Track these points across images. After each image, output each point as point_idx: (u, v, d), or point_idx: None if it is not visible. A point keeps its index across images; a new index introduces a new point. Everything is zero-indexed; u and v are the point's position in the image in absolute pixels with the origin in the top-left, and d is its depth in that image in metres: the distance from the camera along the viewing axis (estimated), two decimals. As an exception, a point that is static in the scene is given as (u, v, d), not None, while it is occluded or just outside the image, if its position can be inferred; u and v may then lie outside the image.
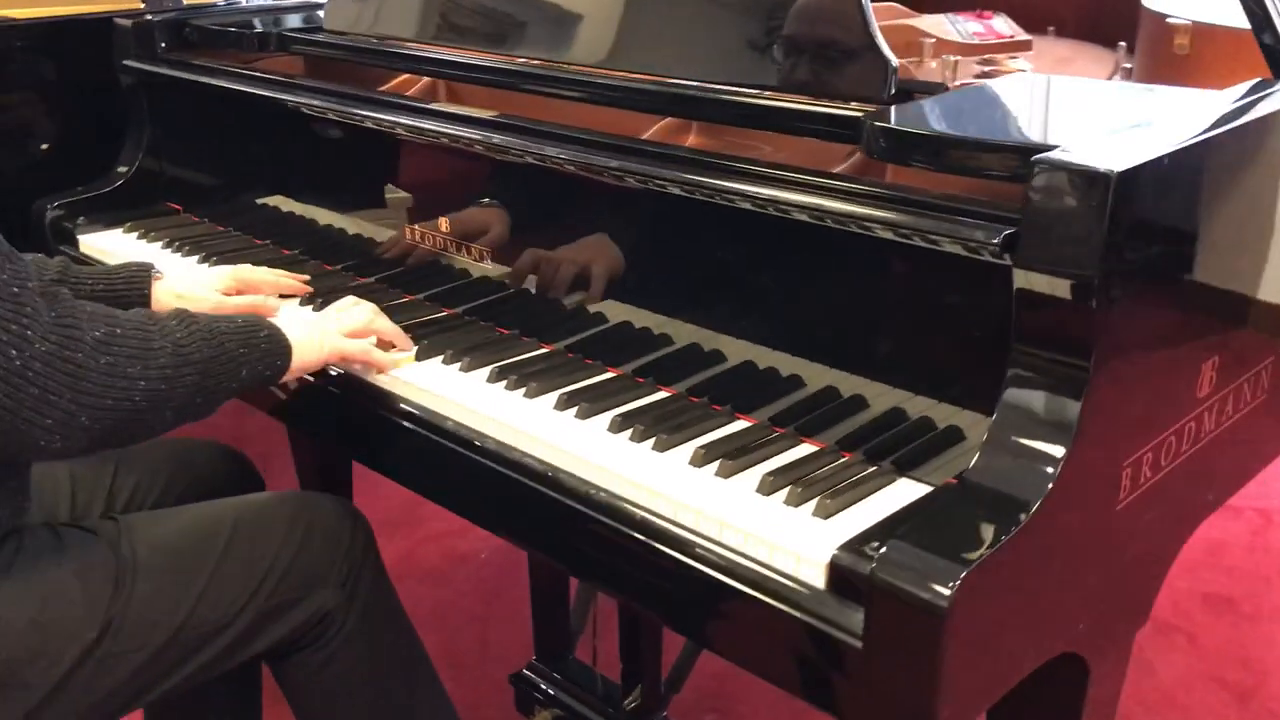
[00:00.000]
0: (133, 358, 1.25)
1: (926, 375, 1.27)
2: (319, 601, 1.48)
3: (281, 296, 1.75)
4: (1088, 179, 1.02)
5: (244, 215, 2.11)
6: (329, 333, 1.49)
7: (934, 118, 1.31)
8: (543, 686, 2.07)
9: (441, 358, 1.54)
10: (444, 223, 1.71)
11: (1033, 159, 1.05)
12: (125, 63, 2.19)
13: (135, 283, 1.64)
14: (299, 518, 1.48)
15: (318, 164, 1.95)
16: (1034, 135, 1.16)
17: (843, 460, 1.27)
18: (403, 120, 1.70)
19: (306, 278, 1.80)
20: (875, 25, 1.39)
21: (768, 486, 1.21)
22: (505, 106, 1.67)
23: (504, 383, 1.47)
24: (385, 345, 1.56)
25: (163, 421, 1.30)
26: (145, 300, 1.63)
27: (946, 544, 1.01)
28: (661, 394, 1.45)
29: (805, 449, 1.31)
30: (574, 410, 1.39)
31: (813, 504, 1.18)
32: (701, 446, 1.28)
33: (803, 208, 1.25)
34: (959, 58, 1.96)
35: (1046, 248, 1.05)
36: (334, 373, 1.55)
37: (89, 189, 2.20)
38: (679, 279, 1.47)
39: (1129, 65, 2.22)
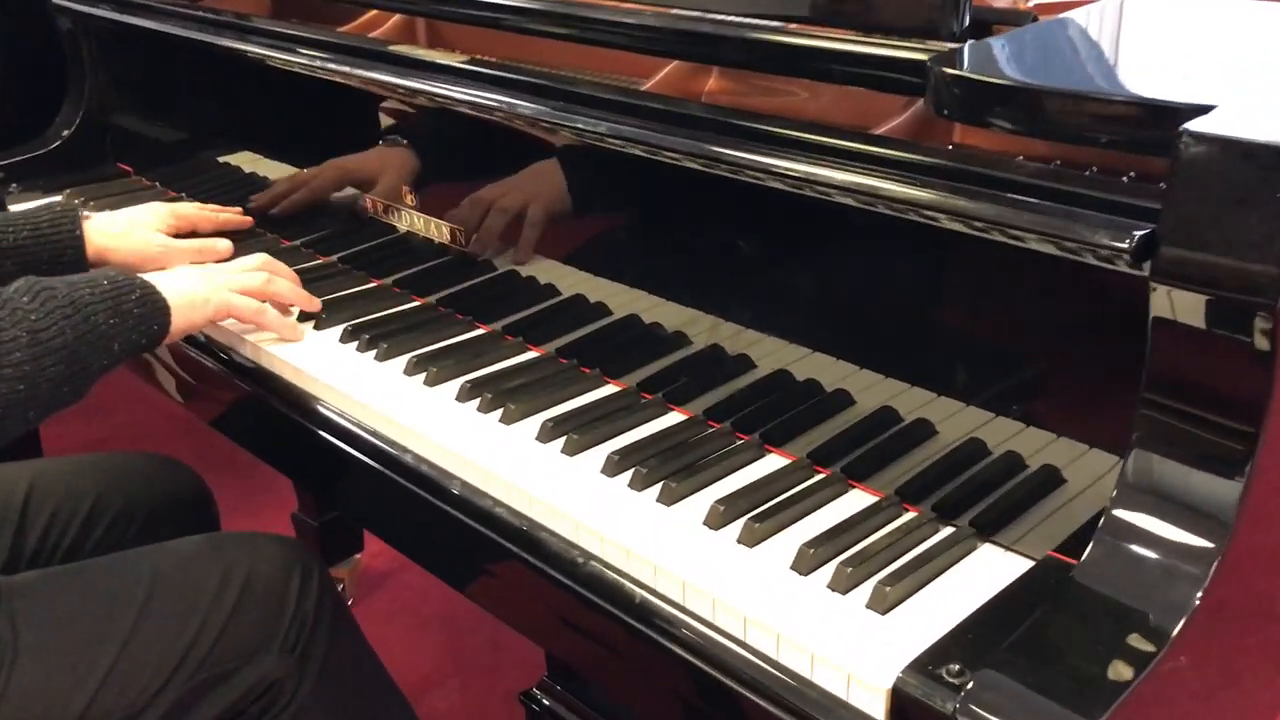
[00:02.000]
0: None
1: (1013, 393, 0.97)
2: (261, 671, 1.21)
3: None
4: (1272, 158, 0.70)
5: (201, 176, 1.82)
6: (217, 287, 1.29)
7: (1022, 61, 0.98)
8: (552, 707, 1.81)
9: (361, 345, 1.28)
10: (408, 195, 1.41)
11: (1181, 129, 0.73)
12: (56, 0, 1.89)
13: (62, 225, 1.43)
14: (234, 570, 1.21)
15: (287, 116, 1.65)
16: (1170, 87, 0.84)
17: (905, 519, 0.97)
18: (359, 71, 1.39)
19: (239, 209, 1.65)
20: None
21: (807, 561, 0.92)
22: (489, 45, 1.36)
23: (476, 401, 1.18)
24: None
25: (21, 424, 1.09)
26: (78, 245, 1.43)
27: (1060, 681, 0.72)
28: (673, 415, 1.15)
29: (855, 500, 1.01)
30: (554, 436, 1.10)
31: (866, 588, 0.88)
32: (720, 501, 0.99)
33: (846, 189, 0.93)
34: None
35: (1202, 256, 0.73)
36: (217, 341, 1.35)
37: (25, 149, 1.91)
38: (679, 259, 1.17)
39: None
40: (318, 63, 1.45)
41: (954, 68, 0.94)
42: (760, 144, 1.01)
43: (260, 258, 1.37)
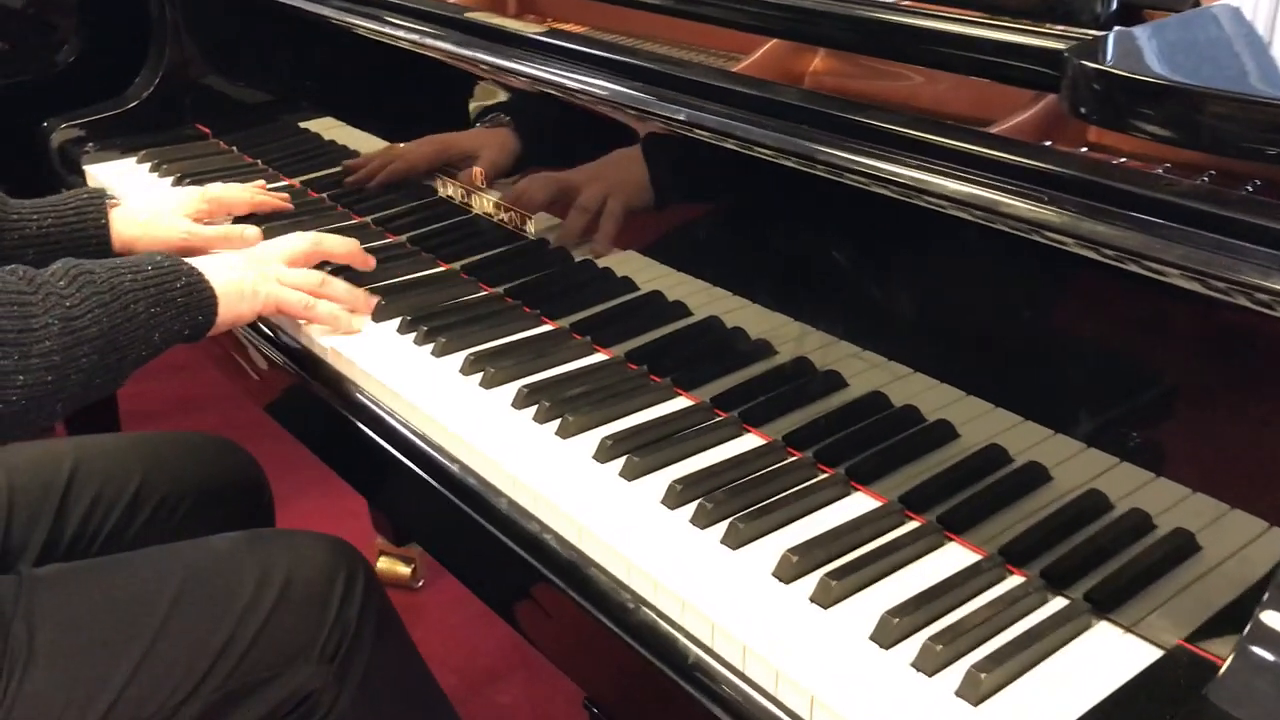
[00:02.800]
0: (6, 346, 0.96)
1: (1144, 438, 0.82)
2: (297, 681, 1.13)
3: (255, 221, 1.48)
4: None
5: (279, 141, 1.74)
6: (266, 276, 1.20)
7: (1179, 55, 0.83)
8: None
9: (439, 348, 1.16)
10: (480, 176, 1.31)
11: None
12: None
13: (88, 214, 1.35)
14: (272, 572, 1.13)
15: (370, 82, 1.55)
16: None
17: (1009, 586, 0.84)
18: (434, 42, 1.29)
19: (286, 195, 1.56)
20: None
21: (889, 633, 0.79)
22: (578, 13, 1.25)
23: (534, 409, 1.07)
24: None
25: (48, 416, 1.03)
26: (103, 234, 1.36)
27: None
28: (749, 439, 1.03)
29: (952, 557, 0.88)
30: (613, 456, 0.99)
31: (957, 671, 0.75)
32: (794, 550, 0.87)
33: (961, 202, 0.80)
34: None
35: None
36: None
37: (104, 108, 1.86)
38: (769, 257, 1.04)
39: None
40: (393, 30, 1.35)
41: (1096, 60, 0.80)
42: (863, 142, 0.87)
43: (310, 237, 1.27)
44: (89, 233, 1.34)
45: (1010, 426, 0.90)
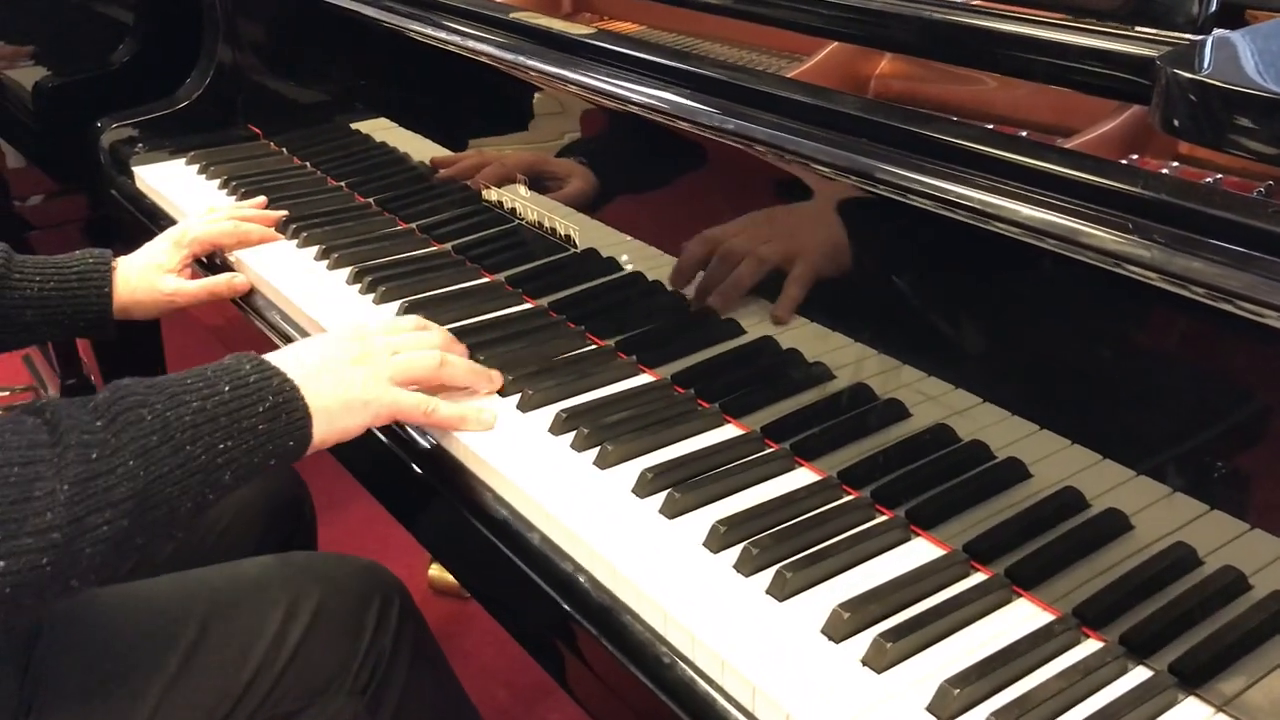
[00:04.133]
0: None
1: (1234, 482, 0.74)
2: (327, 714, 1.08)
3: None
4: None
5: (330, 142, 1.69)
6: (377, 376, 0.97)
7: (1289, 62, 0.74)
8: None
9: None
10: (522, 183, 1.24)
11: None
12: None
13: (91, 280, 1.28)
14: (302, 600, 1.08)
15: (423, 83, 1.50)
16: None
17: (1085, 652, 0.76)
18: (481, 47, 1.23)
19: (282, 213, 1.47)
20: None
21: (950, 705, 0.71)
22: (632, 10, 1.18)
23: (571, 436, 1.00)
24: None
25: (60, 594, 0.80)
26: (104, 305, 1.29)
27: None
28: (802, 474, 0.96)
29: (1021, 616, 0.80)
30: (653, 490, 0.92)
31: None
32: (845, 606, 0.79)
33: (1035, 230, 0.71)
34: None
35: None
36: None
37: (155, 108, 1.83)
38: (831, 271, 0.96)
39: None
40: (446, 34, 1.30)
41: (1192, 69, 0.71)
42: (927, 158, 0.80)
43: (435, 357, 1.02)
44: (89, 301, 1.28)
45: (1088, 466, 0.82)
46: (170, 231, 1.39)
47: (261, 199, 1.52)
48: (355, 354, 0.98)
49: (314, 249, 1.40)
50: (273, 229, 1.45)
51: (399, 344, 1.02)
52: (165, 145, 1.77)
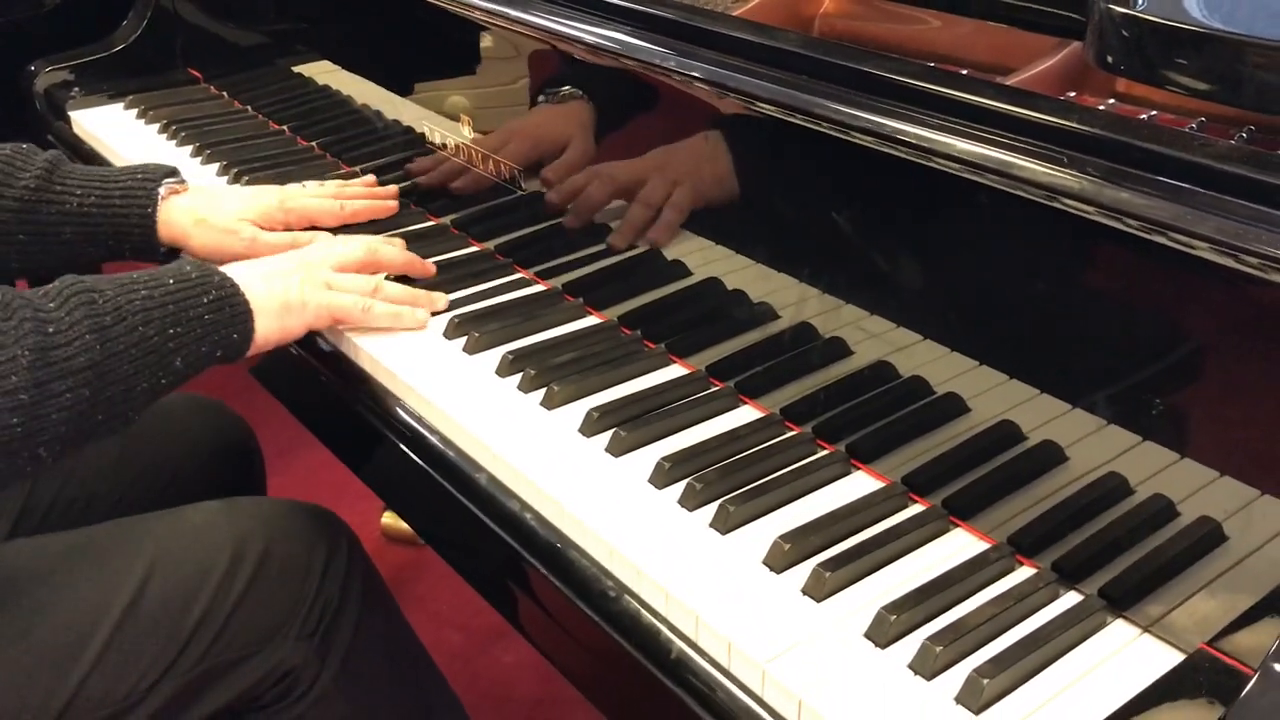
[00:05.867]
0: None
1: (1166, 410, 0.76)
2: (275, 659, 1.08)
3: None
4: None
5: (272, 86, 1.67)
6: (315, 281, 1.05)
7: (1221, 1, 0.75)
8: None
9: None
10: (465, 119, 1.24)
11: None
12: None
13: (135, 198, 1.20)
14: (248, 545, 1.08)
15: (370, 26, 1.47)
16: None
17: (1019, 579, 0.78)
18: None
19: (394, 190, 1.33)
20: None
21: (886, 630, 0.73)
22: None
23: (518, 377, 1.01)
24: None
25: (31, 462, 0.87)
26: (146, 225, 1.20)
27: None
28: (746, 411, 0.97)
29: (958, 545, 0.82)
30: (599, 429, 0.93)
31: (958, 674, 0.70)
32: (786, 537, 0.80)
33: (973, 165, 0.72)
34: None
35: None
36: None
37: (91, 50, 1.79)
38: (770, 210, 0.97)
39: None
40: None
41: (1125, 4, 0.72)
42: (868, 95, 0.80)
43: (364, 244, 1.12)
44: (131, 221, 1.20)
45: (1024, 401, 0.83)
46: (277, 189, 1.28)
47: (370, 177, 1.37)
48: (292, 265, 1.06)
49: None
50: (389, 204, 1.32)
51: (332, 251, 1.10)
52: (102, 89, 1.74)
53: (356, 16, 1.48)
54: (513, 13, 1.12)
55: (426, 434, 0.99)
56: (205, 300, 0.96)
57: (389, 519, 2.11)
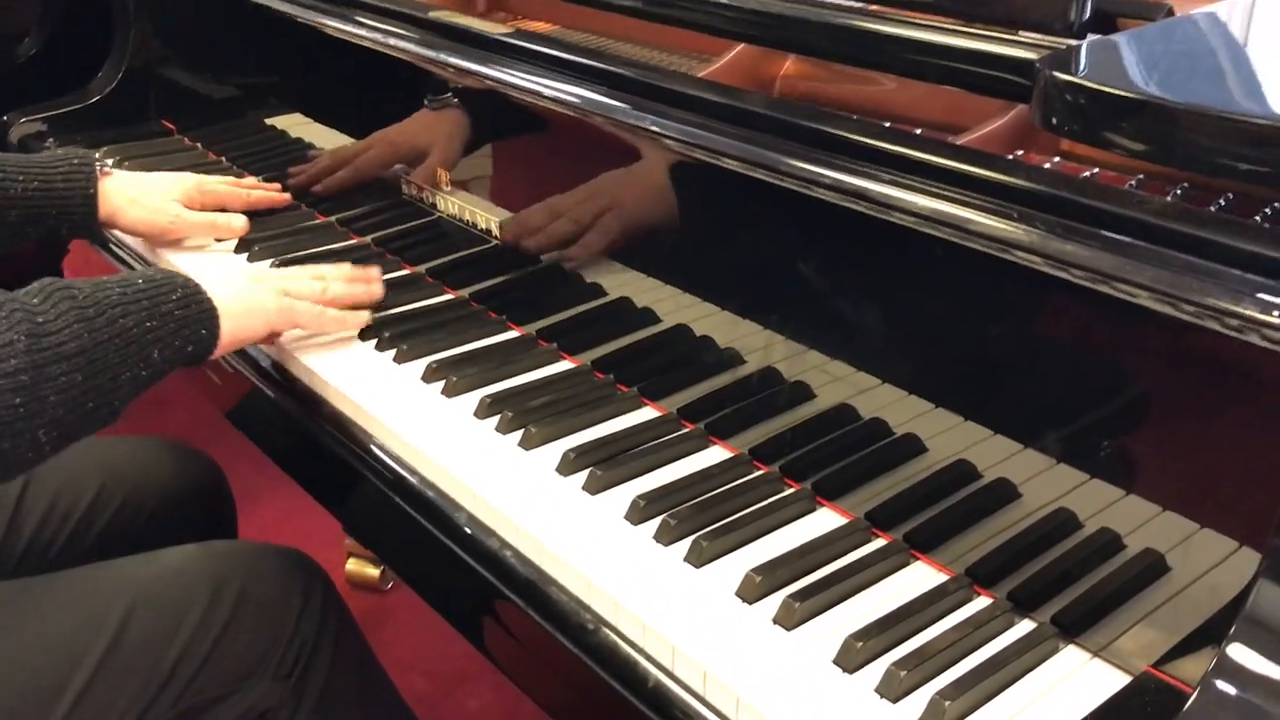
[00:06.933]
0: None
1: (1116, 456, 0.81)
2: (252, 699, 1.10)
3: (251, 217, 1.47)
4: None
5: (245, 138, 1.71)
6: (273, 290, 1.15)
7: (1153, 66, 0.81)
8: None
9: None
10: (445, 177, 1.28)
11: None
12: (102, -53, 1.78)
13: (76, 181, 1.33)
14: (225, 587, 1.10)
15: (337, 77, 1.52)
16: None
17: (976, 608, 0.82)
18: (396, 41, 1.26)
19: (277, 185, 1.53)
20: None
21: (853, 657, 0.77)
22: (548, 11, 1.22)
23: (496, 419, 1.05)
24: None
25: (30, 448, 0.92)
26: (89, 203, 1.33)
27: None
28: (715, 451, 1.01)
29: (918, 577, 0.86)
30: (576, 469, 0.97)
31: (922, 696, 0.74)
32: (758, 570, 0.85)
33: (929, 219, 0.78)
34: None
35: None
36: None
37: (66, 101, 1.82)
38: (738, 261, 1.02)
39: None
40: (357, 29, 1.33)
41: (1068, 71, 0.78)
42: (830, 154, 0.85)
43: (316, 279, 1.21)
44: (75, 200, 1.32)
45: (979, 441, 0.88)
46: (193, 175, 1.46)
47: (277, 186, 1.54)
48: (249, 275, 1.17)
49: (231, 243, 1.41)
50: (283, 196, 1.52)
51: (287, 275, 1.20)
52: (77, 140, 1.76)
53: (329, 69, 1.52)
54: (490, 72, 1.17)
55: (407, 475, 1.02)
56: (174, 297, 1.03)
57: (353, 565, 2.13)
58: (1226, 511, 0.75)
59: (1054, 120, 0.78)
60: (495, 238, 1.23)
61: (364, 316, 1.20)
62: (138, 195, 1.38)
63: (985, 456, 0.87)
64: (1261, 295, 0.62)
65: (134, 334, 0.98)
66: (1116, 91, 0.73)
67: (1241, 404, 0.72)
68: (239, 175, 1.64)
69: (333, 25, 1.37)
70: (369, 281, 1.24)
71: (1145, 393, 0.78)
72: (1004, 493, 0.86)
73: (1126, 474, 0.80)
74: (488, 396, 1.07)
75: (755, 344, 1.02)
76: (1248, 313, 0.62)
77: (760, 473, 0.98)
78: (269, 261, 1.37)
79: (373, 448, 1.06)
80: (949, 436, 0.89)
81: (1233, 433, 0.73)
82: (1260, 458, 0.70)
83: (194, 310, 1.05)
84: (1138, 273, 0.67)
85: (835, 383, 0.96)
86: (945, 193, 0.79)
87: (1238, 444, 0.73)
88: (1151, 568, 0.79)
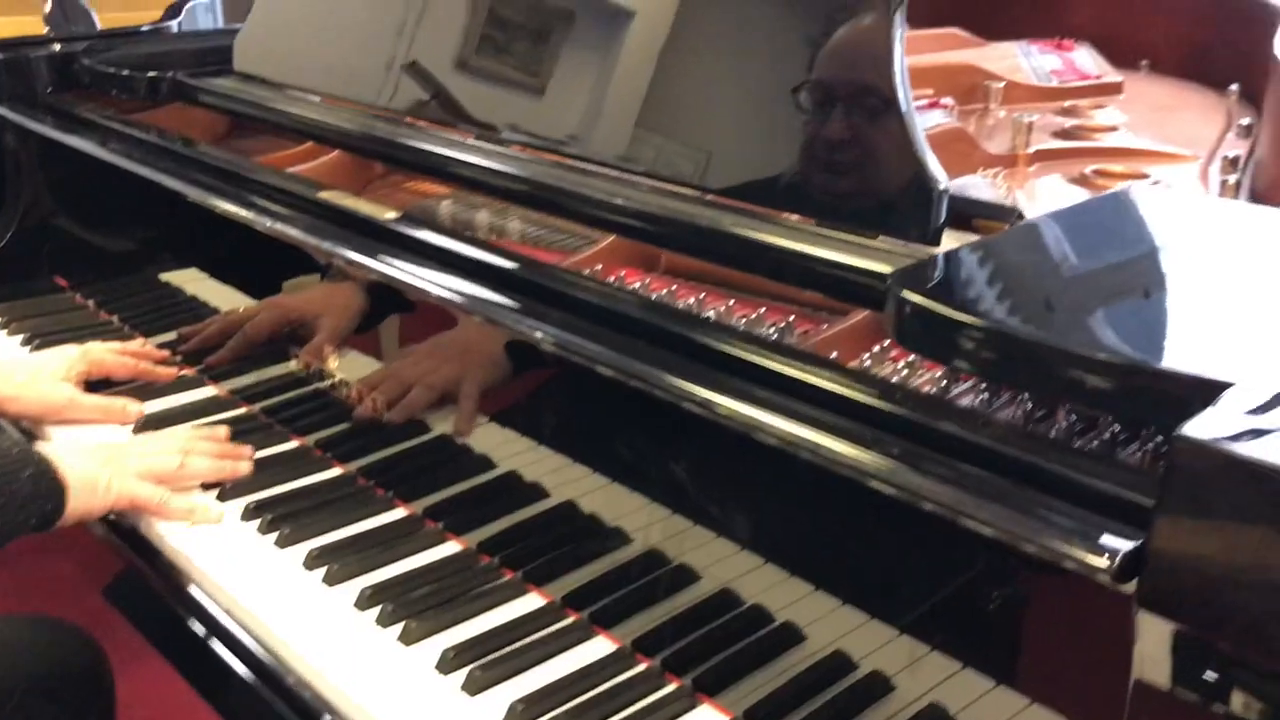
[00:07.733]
0: None
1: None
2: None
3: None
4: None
5: (140, 295, 1.69)
6: (123, 473, 1.18)
7: (1002, 285, 0.85)
8: None
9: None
10: (331, 349, 1.29)
11: (1174, 434, 0.60)
12: (-2, 110, 1.79)
13: None
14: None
15: (231, 236, 1.52)
16: (1182, 345, 0.71)
17: None
18: (282, 227, 1.28)
19: (165, 355, 1.52)
20: (914, 120, 0.95)
21: None
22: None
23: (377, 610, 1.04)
24: None
25: None
26: None
27: None
28: (601, 643, 1.01)
29: None
30: (457, 669, 0.96)
31: None
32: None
33: (787, 441, 0.80)
34: (1034, 115, 1.54)
35: (1196, 599, 0.60)
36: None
37: (-45, 261, 1.79)
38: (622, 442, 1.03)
39: (1247, 121, 1.74)
40: (243, 210, 1.34)
41: (919, 291, 0.81)
42: (698, 365, 0.88)
43: (176, 458, 1.22)
44: None
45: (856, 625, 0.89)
46: (68, 347, 1.46)
47: (165, 353, 1.53)
48: (106, 455, 1.20)
49: (119, 414, 1.40)
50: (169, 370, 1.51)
51: (147, 452, 1.21)
52: (-34, 297, 1.74)
53: (224, 229, 1.53)
54: (372, 264, 1.18)
55: (284, 675, 1.00)
56: (25, 474, 1.09)
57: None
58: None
59: (905, 339, 0.81)
60: (372, 413, 1.24)
61: (214, 514, 1.19)
62: (27, 379, 1.38)
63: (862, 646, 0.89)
64: (1102, 540, 0.64)
65: None
66: (964, 319, 0.77)
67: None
68: (129, 337, 1.63)
69: (225, 207, 1.38)
70: (236, 458, 1.25)
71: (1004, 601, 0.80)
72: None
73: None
74: (369, 587, 1.06)
75: (640, 521, 1.03)
76: (1083, 557, 0.64)
77: (642, 668, 0.98)
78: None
79: (247, 641, 1.04)
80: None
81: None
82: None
83: (43, 486, 1.10)
84: (978, 509, 0.69)
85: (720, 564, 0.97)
86: (808, 415, 0.81)
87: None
88: None
